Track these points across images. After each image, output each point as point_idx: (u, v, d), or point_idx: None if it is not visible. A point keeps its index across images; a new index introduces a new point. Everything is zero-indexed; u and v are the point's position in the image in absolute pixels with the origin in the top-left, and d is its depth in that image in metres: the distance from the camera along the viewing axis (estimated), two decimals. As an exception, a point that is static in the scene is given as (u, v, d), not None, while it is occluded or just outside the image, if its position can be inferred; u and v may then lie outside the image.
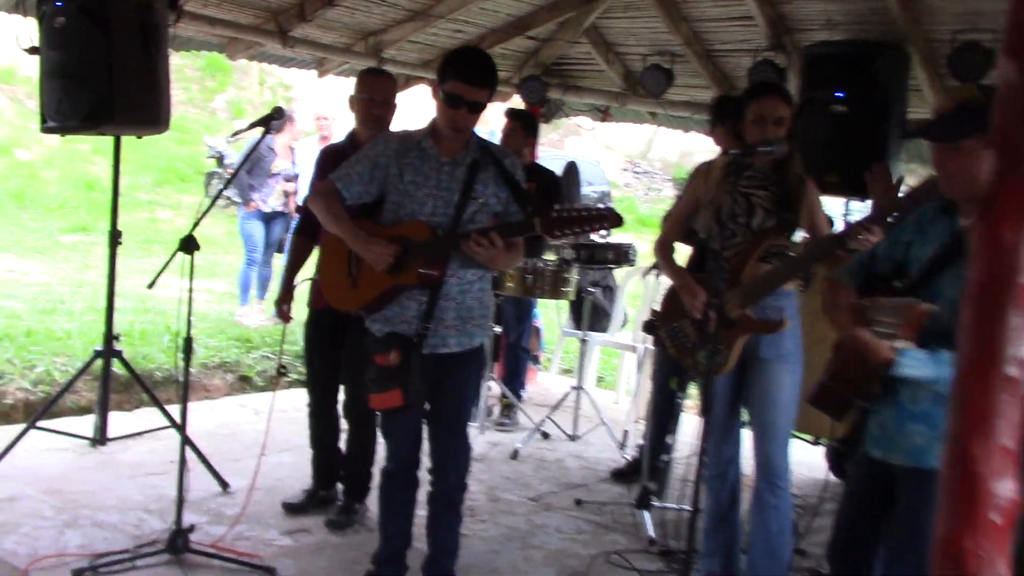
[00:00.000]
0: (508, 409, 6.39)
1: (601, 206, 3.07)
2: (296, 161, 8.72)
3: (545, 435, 6.08)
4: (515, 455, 5.68)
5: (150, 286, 3.77)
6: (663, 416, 5.28)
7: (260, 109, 22.42)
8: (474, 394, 3.61)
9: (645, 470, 4.65)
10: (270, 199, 8.73)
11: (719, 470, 3.93)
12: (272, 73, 22.90)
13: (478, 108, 3.27)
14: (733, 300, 3.67)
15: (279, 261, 8.91)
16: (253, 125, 3.94)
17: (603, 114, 7.69)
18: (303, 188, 8.59)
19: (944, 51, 5.37)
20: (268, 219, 8.80)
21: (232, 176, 4.39)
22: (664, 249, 3.97)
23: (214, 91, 21.99)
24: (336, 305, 3.56)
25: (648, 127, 8.47)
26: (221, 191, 4.38)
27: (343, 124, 13.23)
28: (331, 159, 4.39)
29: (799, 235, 3.83)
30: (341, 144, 4.46)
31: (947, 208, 2.74)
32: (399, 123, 4.04)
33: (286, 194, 8.77)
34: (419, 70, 7.00)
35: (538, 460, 5.70)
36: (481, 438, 5.89)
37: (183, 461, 3.85)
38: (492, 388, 6.31)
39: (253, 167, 8.38)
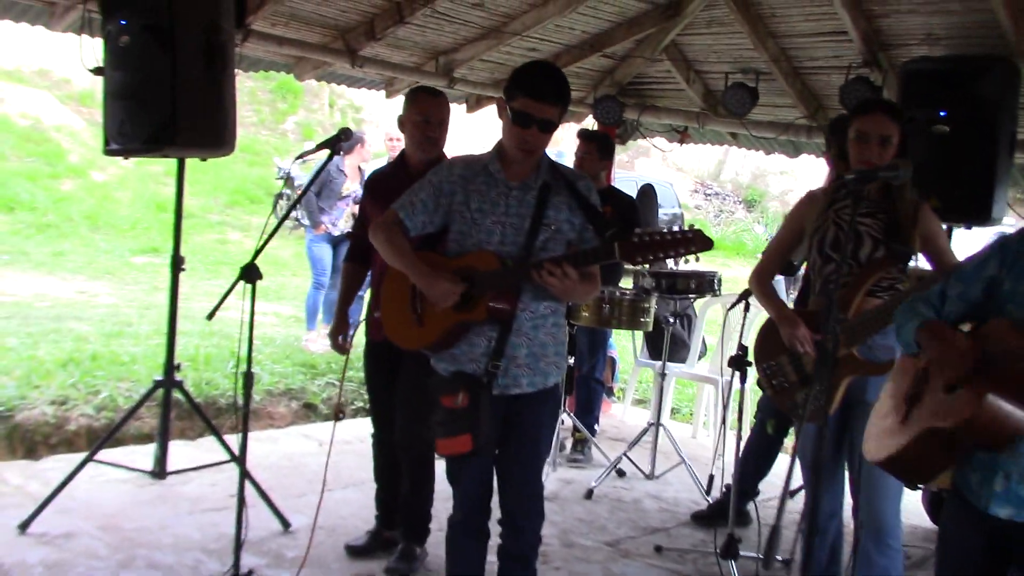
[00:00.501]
0: (581, 444, 6.09)
1: (687, 228, 2.75)
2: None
3: (621, 473, 5.76)
4: (589, 495, 5.37)
5: (209, 317, 3.57)
6: (759, 459, 4.96)
7: (330, 131, 22.49)
8: (549, 438, 3.32)
9: (732, 515, 4.32)
10: (339, 222, 8.58)
11: (820, 525, 3.58)
12: (342, 95, 23.03)
13: (549, 127, 3.01)
14: (839, 337, 3.35)
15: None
16: (320, 147, 3.72)
17: (681, 135, 7.39)
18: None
19: (1056, 67, 4.98)
20: (336, 242, 8.64)
21: (299, 197, 4.16)
22: (762, 279, 3.65)
23: (285, 113, 22.15)
24: (401, 344, 3.31)
25: (720, 148, 8.14)
26: (287, 214, 4.17)
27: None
28: (380, 184, 4.17)
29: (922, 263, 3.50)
30: (390, 167, 4.26)
31: None
32: (469, 145, 3.79)
33: (355, 217, 8.61)
34: (490, 90, 6.79)
35: (614, 500, 5.39)
36: (553, 475, 5.59)
37: (241, 501, 3.63)
38: (564, 421, 6.01)
39: (322, 189, 8.25)
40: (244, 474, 3.70)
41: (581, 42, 6.43)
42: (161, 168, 16.80)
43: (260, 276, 3.51)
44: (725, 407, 5.52)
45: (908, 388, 2.56)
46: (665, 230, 2.75)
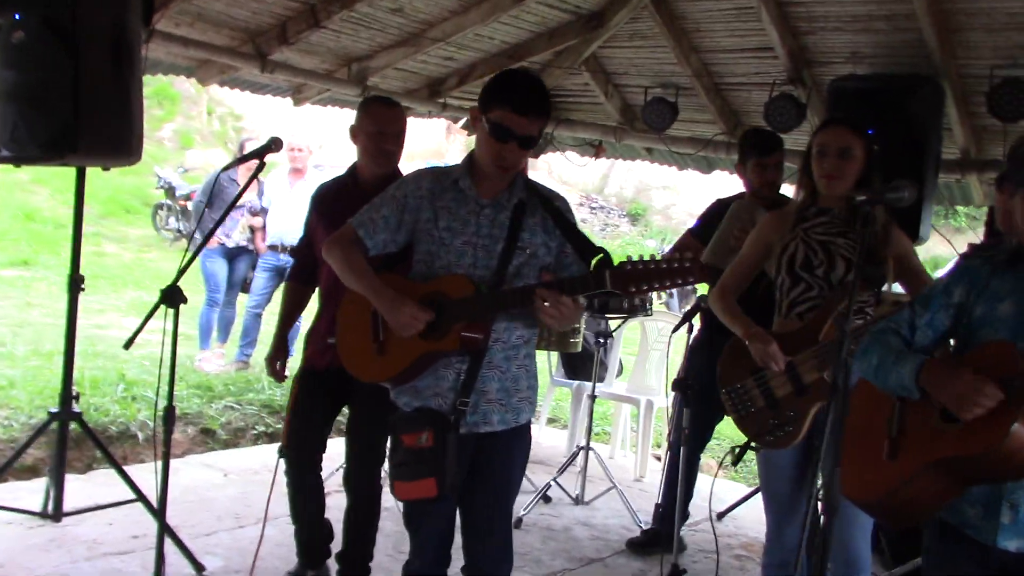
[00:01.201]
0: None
1: (683, 256, 2.54)
2: (265, 193, 8.15)
3: (547, 499, 5.55)
4: (519, 523, 5.14)
5: (127, 346, 3.20)
6: (688, 483, 4.82)
7: (209, 139, 21.74)
8: (519, 481, 3.06)
9: (676, 543, 4.16)
10: (234, 233, 8.14)
11: (781, 557, 3.44)
12: (222, 102, 22.22)
13: (530, 143, 2.78)
14: (808, 363, 3.21)
15: (243, 301, 8.30)
16: (250, 157, 3.40)
17: (596, 149, 7.26)
18: (272, 224, 8.05)
19: (980, 87, 5.02)
20: (232, 255, 8.19)
21: (229, 207, 3.71)
22: (725, 297, 3.48)
23: (161, 120, 21.19)
24: (360, 376, 3.01)
25: (604, 163, 8.07)
26: (211, 233, 3.79)
27: (318, 157, 12.66)
28: (328, 199, 3.87)
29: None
30: (340, 181, 3.94)
31: (1014, 260, 2.35)
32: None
33: (252, 229, 8.18)
34: (404, 99, 6.49)
35: (544, 529, 5.17)
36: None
37: (160, 557, 3.26)
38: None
39: (214, 200, 7.80)
40: (163, 527, 3.34)
41: (500, 51, 6.23)
42: (27, 176, 15.81)
43: (184, 300, 3.16)
44: (674, 427, 5.37)
45: (884, 421, 2.44)
46: (660, 258, 2.54)
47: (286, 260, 8.02)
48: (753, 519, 5.45)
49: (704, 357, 4.57)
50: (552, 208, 2.86)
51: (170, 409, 3.22)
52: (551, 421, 7.86)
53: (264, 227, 8.16)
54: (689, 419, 4.30)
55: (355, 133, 3.81)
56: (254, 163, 3.41)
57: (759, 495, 3.79)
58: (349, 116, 4.31)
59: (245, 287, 8.25)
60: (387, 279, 2.85)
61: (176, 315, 3.16)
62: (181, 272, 3.19)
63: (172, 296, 3.15)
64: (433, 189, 2.88)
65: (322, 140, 8.50)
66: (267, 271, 8.09)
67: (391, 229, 2.89)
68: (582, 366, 6.49)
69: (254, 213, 8.13)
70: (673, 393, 4.60)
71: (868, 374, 2.51)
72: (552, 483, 5.45)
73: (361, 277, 2.84)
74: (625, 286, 2.53)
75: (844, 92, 5.19)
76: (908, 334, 2.48)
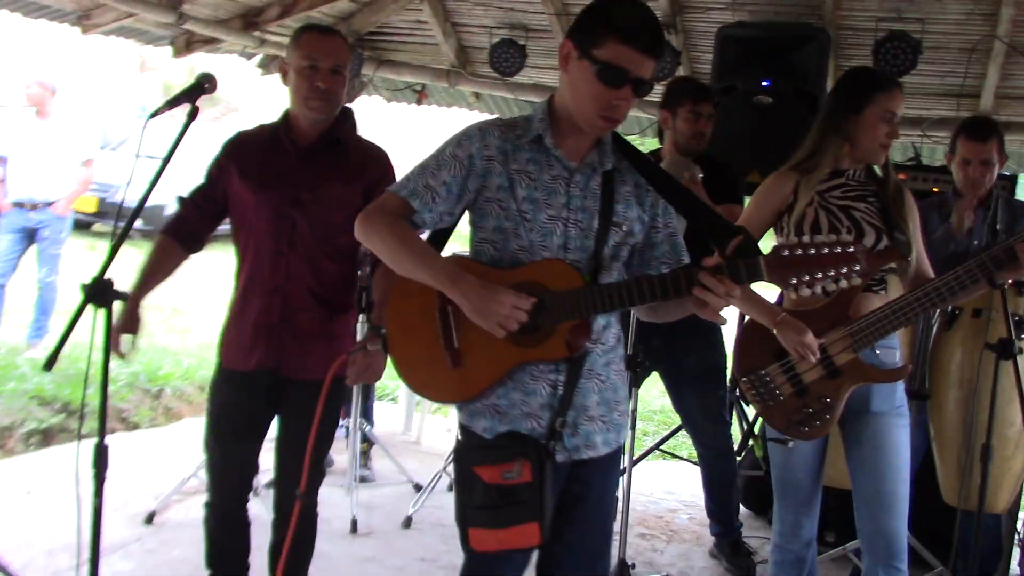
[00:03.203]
0: (364, 456, 5.16)
1: (845, 238, 2.05)
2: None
3: (418, 487, 4.97)
4: (408, 523, 4.52)
5: (47, 367, 2.25)
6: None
7: None
8: (614, 512, 2.47)
9: (623, 533, 3.78)
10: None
11: (796, 554, 3.14)
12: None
13: (645, 89, 2.18)
14: (839, 343, 2.89)
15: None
16: (176, 101, 2.51)
17: (419, 95, 6.61)
18: (14, 176, 6.70)
19: (865, 40, 4.96)
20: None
21: (161, 168, 2.69)
22: None
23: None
24: (432, 398, 2.29)
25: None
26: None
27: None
28: (252, 147, 2.99)
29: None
30: (268, 128, 3.07)
31: None
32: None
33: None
34: (220, 30, 5.48)
35: (436, 525, 4.56)
36: (346, 501, 4.58)
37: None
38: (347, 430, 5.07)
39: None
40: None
41: (333, -20, 5.42)
42: None
43: (119, 295, 2.28)
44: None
45: None
46: (820, 242, 2.04)
47: (38, 220, 6.74)
48: (647, 495, 5.20)
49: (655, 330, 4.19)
50: (649, 171, 2.29)
51: (101, 448, 2.31)
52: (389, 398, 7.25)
53: (4, 179, 6.77)
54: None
55: (284, 71, 3.00)
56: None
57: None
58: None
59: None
60: (458, 264, 2.16)
61: (108, 317, 2.26)
62: (107, 264, 2.27)
63: (100, 292, 2.25)
64: (504, 148, 2.21)
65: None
66: (13, 233, 6.74)
67: (452, 199, 2.19)
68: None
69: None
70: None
71: None
72: (442, 474, 4.84)
73: (425, 259, 2.12)
74: (784, 278, 2.02)
75: (732, 41, 4.95)
76: None
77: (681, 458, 5.57)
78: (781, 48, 4.90)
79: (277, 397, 3.01)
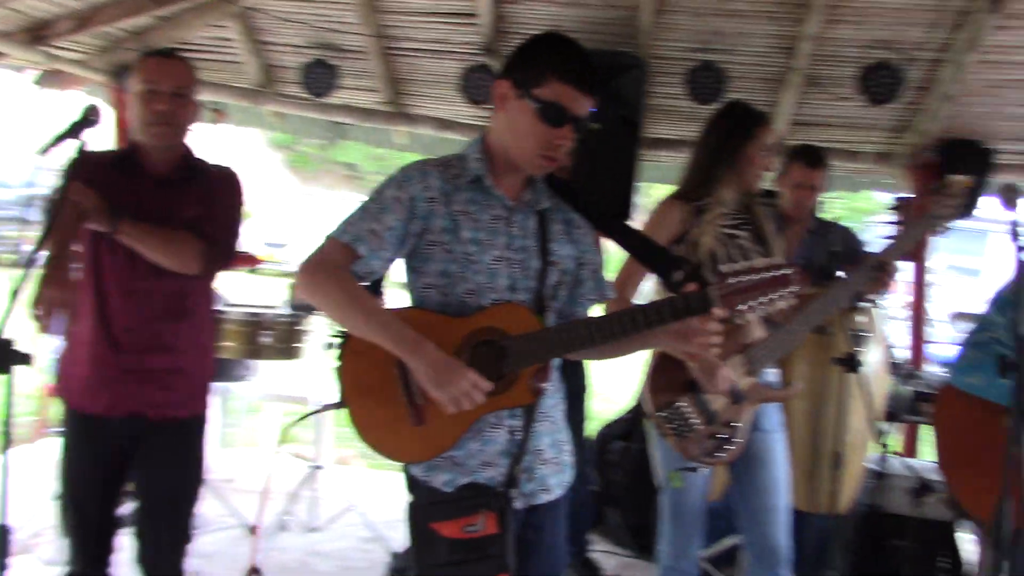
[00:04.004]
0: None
1: (779, 262, 2.14)
2: None
3: (252, 529, 4.71)
4: (257, 572, 4.27)
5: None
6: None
7: None
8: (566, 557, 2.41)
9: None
10: None
11: (686, 573, 3.24)
12: None
13: (581, 128, 2.19)
14: (740, 368, 3.03)
15: None
16: (65, 137, 2.25)
17: (217, 115, 6.27)
18: None
19: (678, 69, 5.21)
20: None
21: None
22: (626, 297, 3.11)
23: None
24: (396, 457, 2.13)
25: None
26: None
27: None
28: (95, 169, 2.72)
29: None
30: (115, 154, 2.87)
31: None
32: None
33: None
34: (2, 43, 4.97)
35: (281, 570, 4.35)
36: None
37: None
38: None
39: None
40: None
41: (131, -6, 5.04)
42: None
43: (23, 360, 2.02)
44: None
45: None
46: (759, 265, 2.10)
47: None
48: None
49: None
50: (590, 210, 2.29)
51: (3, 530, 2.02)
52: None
53: None
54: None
55: (128, 104, 2.83)
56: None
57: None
58: None
59: None
60: (410, 318, 2.05)
61: (9, 384, 2.00)
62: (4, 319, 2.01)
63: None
64: (445, 188, 2.14)
65: None
66: None
67: (396, 243, 2.10)
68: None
69: None
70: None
71: (980, 389, 2.40)
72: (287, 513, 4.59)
73: (382, 323, 2.02)
74: (732, 304, 2.08)
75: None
76: (993, 351, 2.41)
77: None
78: (602, 76, 5.03)
79: (131, 443, 2.80)
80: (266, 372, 5.61)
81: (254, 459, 6.12)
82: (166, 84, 2.78)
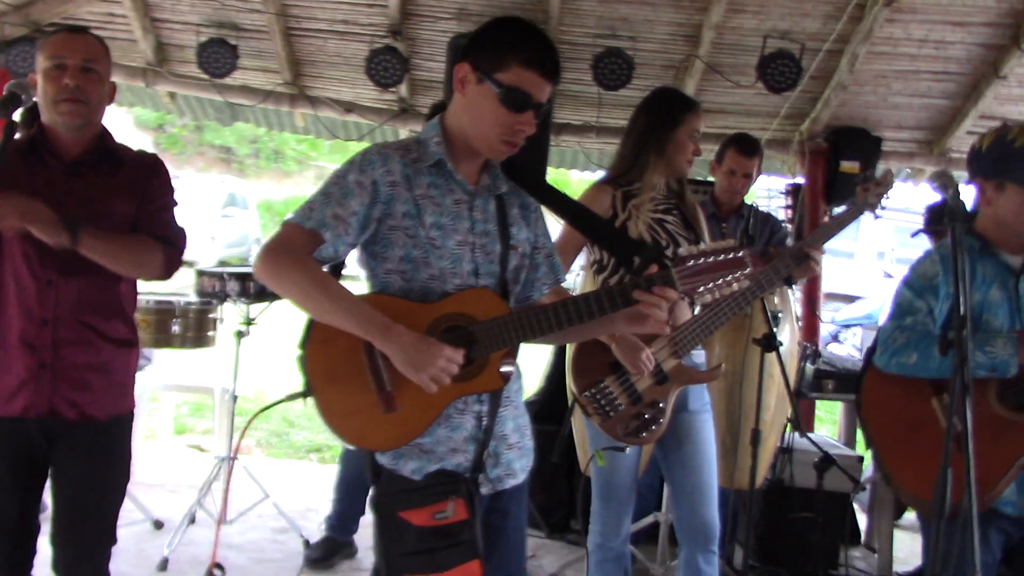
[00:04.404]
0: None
1: (730, 244, 2.20)
2: None
3: (159, 524, 4.57)
4: (164, 565, 4.14)
5: None
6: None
7: None
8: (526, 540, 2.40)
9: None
10: None
11: (617, 551, 3.30)
12: None
13: (541, 114, 2.18)
14: (664, 350, 3.09)
15: None
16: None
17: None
18: None
19: (584, 55, 5.26)
20: None
21: None
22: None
23: None
24: (366, 445, 2.07)
25: None
26: None
27: None
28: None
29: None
30: (23, 140, 2.63)
31: (986, 245, 2.61)
32: None
33: None
34: None
35: (193, 563, 4.22)
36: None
37: None
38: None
39: None
40: None
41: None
42: None
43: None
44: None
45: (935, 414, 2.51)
46: (714, 248, 2.15)
47: None
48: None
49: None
50: (548, 193, 2.29)
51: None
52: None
53: None
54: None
55: (33, 83, 2.61)
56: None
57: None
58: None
59: None
60: (375, 304, 2.02)
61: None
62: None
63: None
64: (406, 172, 2.11)
65: None
66: None
67: (358, 229, 2.06)
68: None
69: None
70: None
71: (914, 368, 2.51)
72: (198, 505, 4.42)
73: (351, 307, 1.97)
74: (692, 286, 2.12)
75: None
76: (933, 326, 2.52)
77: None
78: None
79: (50, 444, 2.63)
80: (162, 361, 5.43)
81: (153, 452, 5.93)
82: (73, 57, 2.54)
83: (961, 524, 2.17)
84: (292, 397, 2.08)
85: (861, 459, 4.77)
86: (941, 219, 3.90)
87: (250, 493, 4.65)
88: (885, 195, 3.19)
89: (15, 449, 2.60)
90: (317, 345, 2.04)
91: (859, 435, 6.74)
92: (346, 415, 2.04)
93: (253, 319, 4.38)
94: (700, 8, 5.05)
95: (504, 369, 2.09)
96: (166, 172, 2.76)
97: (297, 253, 2.02)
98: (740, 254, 2.13)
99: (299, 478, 5.88)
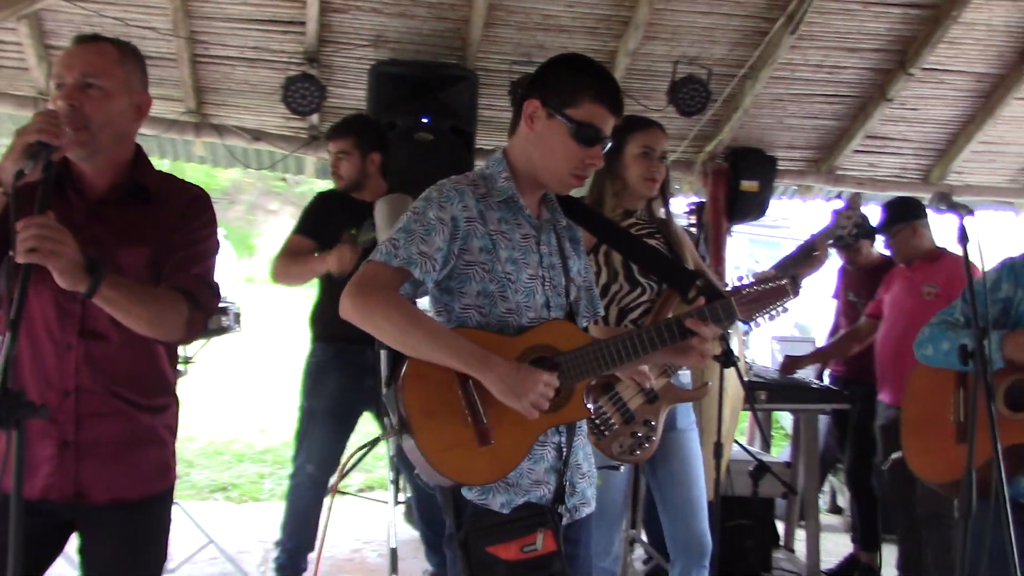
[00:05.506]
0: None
1: (773, 274, 2.36)
2: None
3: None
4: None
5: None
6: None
7: None
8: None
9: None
10: None
11: (608, 570, 3.36)
12: None
13: (606, 146, 2.23)
14: (653, 369, 3.18)
15: None
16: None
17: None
18: None
19: (502, 81, 5.32)
20: None
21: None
22: None
23: None
24: (467, 480, 2.01)
25: None
26: None
27: None
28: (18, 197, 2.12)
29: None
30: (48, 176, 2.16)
31: None
32: None
33: None
34: None
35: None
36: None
37: None
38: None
39: None
40: None
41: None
42: None
43: (38, 413, 1.71)
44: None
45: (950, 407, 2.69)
46: (764, 277, 2.29)
47: None
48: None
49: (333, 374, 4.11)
50: (606, 227, 2.34)
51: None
52: None
53: None
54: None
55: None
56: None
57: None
58: None
59: None
60: (465, 336, 2.01)
61: (20, 439, 1.70)
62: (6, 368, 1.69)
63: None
64: (479, 207, 2.12)
65: None
66: None
67: (442, 265, 2.05)
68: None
69: None
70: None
71: (938, 360, 2.68)
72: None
73: (448, 342, 1.96)
74: (750, 313, 2.25)
75: (386, 77, 5.02)
76: (963, 323, 2.71)
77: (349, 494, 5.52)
78: (433, 87, 5.07)
79: (69, 530, 2.28)
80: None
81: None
82: (70, 74, 2.14)
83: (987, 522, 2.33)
84: (389, 435, 2.05)
85: (789, 464, 5.01)
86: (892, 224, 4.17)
87: (190, 538, 4.45)
88: (855, 216, 3.40)
89: (32, 537, 1.92)
90: (413, 381, 2.01)
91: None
92: (443, 450, 2.01)
93: (190, 358, 4.20)
94: (616, 35, 5.20)
95: (588, 398, 2.12)
96: (204, 213, 2.32)
97: (388, 291, 1.99)
98: (783, 282, 2.27)
99: (241, 520, 5.67)
